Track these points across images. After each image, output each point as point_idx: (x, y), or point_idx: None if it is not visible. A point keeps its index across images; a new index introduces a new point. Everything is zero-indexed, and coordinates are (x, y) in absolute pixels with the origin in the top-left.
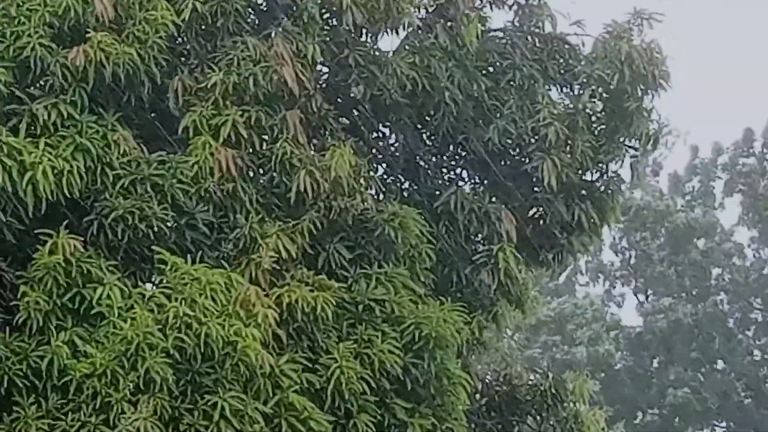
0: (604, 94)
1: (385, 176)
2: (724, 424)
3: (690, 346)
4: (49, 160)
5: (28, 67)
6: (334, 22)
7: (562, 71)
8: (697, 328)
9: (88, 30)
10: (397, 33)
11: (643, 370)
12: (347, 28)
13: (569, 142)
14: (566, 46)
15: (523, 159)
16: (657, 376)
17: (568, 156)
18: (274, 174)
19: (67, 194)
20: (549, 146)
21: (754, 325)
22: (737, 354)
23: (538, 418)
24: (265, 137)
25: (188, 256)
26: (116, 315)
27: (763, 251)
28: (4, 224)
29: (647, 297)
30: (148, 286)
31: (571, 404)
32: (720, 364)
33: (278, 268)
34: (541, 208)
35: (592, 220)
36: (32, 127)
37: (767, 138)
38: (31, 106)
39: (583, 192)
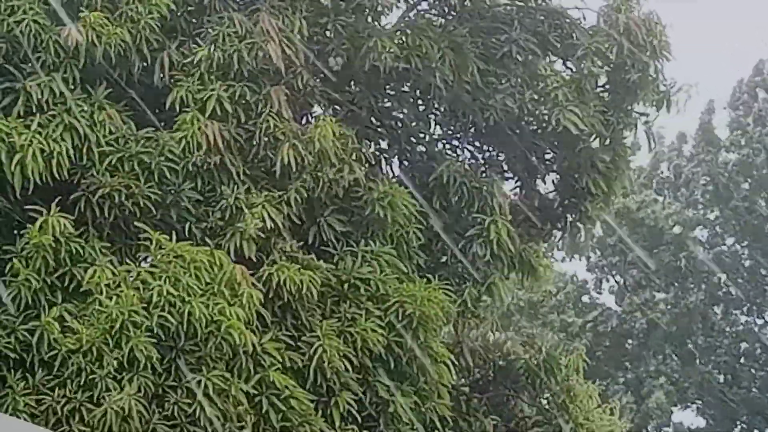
0: (606, 67)
1: (383, 151)
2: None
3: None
4: (39, 142)
5: (20, 42)
6: None
7: (562, 44)
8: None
9: (81, 8)
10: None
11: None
12: (335, 3)
13: (580, 104)
14: (567, 20)
15: (533, 129)
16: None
17: (584, 114)
18: (260, 148)
19: (56, 176)
20: (562, 105)
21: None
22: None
23: (533, 391)
24: (250, 112)
25: (174, 231)
26: (103, 293)
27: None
28: None
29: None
30: (136, 263)
31: (565, 378)
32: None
33: (264, 237)
34: (551, 178)
35: (601, 189)
36: (26, 105)
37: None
38: (24, 83)
39: (591, 162)
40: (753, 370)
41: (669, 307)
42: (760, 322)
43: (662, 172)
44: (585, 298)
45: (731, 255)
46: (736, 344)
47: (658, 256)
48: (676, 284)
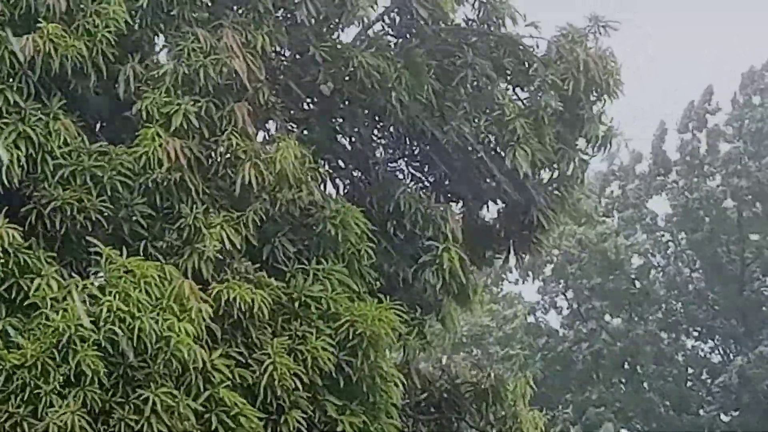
0: (559, 99)
1: (338, 169)
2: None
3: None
4: None
5: None
6: (289, 15)
7: (517, 71)
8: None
9: (39, 20)
10: (362, 23)
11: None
12: (303, 20)
13: (535, 136)
14: (520, 47)
15: (481, 156)
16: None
17: (537, 148)
18: (220, 166)
19: (6, 184)
20: (517, 139)
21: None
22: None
23: (478, 416)
24: (214, 128)
25: (125, 248)
26: (49, 306)
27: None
28: None
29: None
30: (84, 278)
31: (511, 403)
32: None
33: (222, 258)
34: (498, 205)
35: (547, 221)
36: None
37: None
38: None
39: (537, 192)
40: (701, 393)
41: (621, 337)
42: (708, 346)
43: (612, 192)
44: (532, 319)
45: (682, 280)
46: (683, 369)
47: (614, 282)
48: (626, 309)
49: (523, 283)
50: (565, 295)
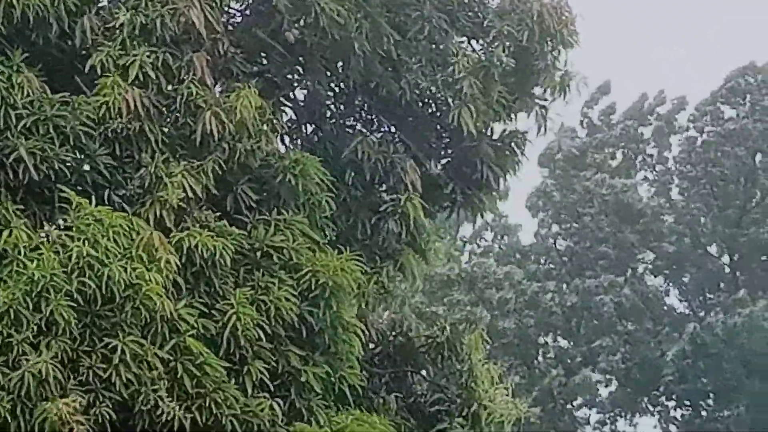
0: (513, 50)
1: (291, 123)
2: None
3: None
4: None
5: None
6: None
7: (471, 24)
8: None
9: None
10: None
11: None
12: None
13: (483, 93)
14: (474, 0)
15: (434, 110)
16: None
17: (484, 105)
18: (179, 115)
19: None
20: (465, 97)
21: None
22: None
23: (433, 369)
24: (172, 78)
25: (90, 197)
26: (21, 254)
27: None
28: None
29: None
30: (53, 227)
31: (466, 357)
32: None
33: (184, 207)
34: (450, 160)
35: (495, 176)
36: None
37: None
38: None
39: (489, 148)
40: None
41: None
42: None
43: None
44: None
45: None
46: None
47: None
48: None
49: (502, 238)
50: (555, 245)
